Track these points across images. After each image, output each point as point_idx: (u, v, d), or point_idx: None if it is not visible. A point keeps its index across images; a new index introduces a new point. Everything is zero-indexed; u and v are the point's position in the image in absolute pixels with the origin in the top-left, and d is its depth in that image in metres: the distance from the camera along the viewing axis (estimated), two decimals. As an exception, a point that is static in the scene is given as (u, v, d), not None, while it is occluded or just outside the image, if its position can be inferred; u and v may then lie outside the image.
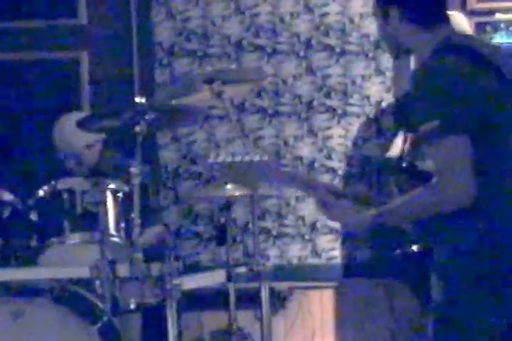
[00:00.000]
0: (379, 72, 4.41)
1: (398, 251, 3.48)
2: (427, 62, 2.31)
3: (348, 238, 4.41)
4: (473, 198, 2.22)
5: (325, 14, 4.42)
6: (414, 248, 3.40)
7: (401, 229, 3.35)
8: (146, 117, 3.22)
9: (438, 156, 2.24)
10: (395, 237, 3.45)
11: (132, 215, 3.19)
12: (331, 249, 4.44)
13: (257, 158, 2.40)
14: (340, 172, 4.44)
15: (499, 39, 4.28)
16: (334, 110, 4.44)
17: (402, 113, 4.09)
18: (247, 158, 2.40)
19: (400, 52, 2.41)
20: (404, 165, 3.28)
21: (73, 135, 3.83)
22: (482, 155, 2.24)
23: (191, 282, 3.26)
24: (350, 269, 4.41)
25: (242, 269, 3.42)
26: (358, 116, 4.43)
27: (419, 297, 3.76)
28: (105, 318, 3.22)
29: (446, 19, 2.36)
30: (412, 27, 2.34)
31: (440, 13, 2.36)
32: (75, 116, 3.73)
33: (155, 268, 3.10)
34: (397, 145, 3.95)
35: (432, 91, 2.25)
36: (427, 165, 3.04)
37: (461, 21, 3.77)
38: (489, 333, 2.23)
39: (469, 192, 2.22)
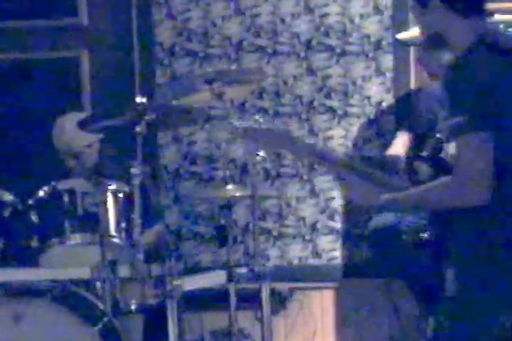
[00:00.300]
0: (379, 72, 4.41)
1: (408, 239, 3.49)
2: (464, 56, 2.30)
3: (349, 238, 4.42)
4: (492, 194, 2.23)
5: (325, 15, 4.42)
6: (425, 235, 3.40)
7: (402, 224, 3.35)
8: (147, 117, 3.23)
9: (464, 151, 2.25)
10: (396, 233, 3.45)
11: (133, 216, 3.19)
12: (332, 250, 4.44)
13: (276, 127, 2.45)
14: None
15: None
16: (335, 111, 4.43)
17: (402, 113, 4.09)
18: (269, 126, 2.46)
19: (435, 44, 2.40)
20: (427, 156, 3.29)
21: (73, 135, 3.83)
22: (499, 150, 2.25)
23: (192, 283, 3.26)
24: (350, 270, 4.41)
25: (243, 270, 3.42)
26: (358, 116, 4.43)
27: (417, 294, 3.76)
28: (106, 319, 3.22)
29: (484, 13, 2.35)
30: (453, 17, 2.33)
31: (480, 5, 2.35)
32: (75, 116, 3.74)
33: (156, 268, 3.10)
34: (397, 146, 3.95)
35: (467, 86, 2.25)
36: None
37: None
38: (503, 322, 2.25)
39: (490, 189, 2.22)
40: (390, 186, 2.37)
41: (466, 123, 2.23)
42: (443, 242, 2.40)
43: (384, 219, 3.67)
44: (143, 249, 3.11)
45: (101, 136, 3.85)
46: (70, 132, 3.82)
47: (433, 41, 2.39)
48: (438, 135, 3.71)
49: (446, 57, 3.59)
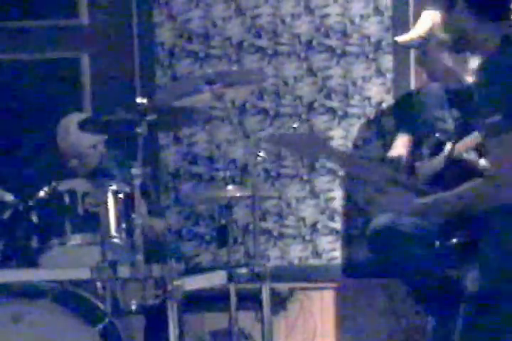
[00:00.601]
0: (379, 73, 4.42)
1: (437, 243, 3.49)
2: (494, 56, 2.32)
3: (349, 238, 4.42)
4: None
5: (326, 15, 4.43)
6: (454, 241, 3.41)
7: (441, 221, 3.35)
8: (148, 118, 3.23)
9: (498, 150, 2.28)
10: (434, 229, 3.45)
11: (133, 216, 3.20)
12: (332, 250, 4.45)
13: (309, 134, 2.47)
14: (341, 173, 4.44)
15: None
16: (335, 111, 4.44)
17: (402, 114, 4.09)
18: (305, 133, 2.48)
19: (461, 46, 2.41)
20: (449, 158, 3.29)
21: (79, 135, 3.83)
22: None
23: (192, 283, 3.26)
24: (350, 270, 4.42)
25: (243, 270, 3.42)
26: (358, 117, 4.44)
27: (417, 294, 3.76)
28: (106, 319, 3.22)
29: (509, 14, 2.36)
30: (478, 19, 2.35)
31: (506, 8, 2.36)
32: (79, 117, 3.74)
33: (156, 269, 3.11)
34: (398, 147, 3.95)
35: (499, 86, 2.28)
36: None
37: None
38: None
39: None
40: (421, 191, 2.39)
41: (501, 123, 2.26)
42: (474, 244, 2.41)
43: (383, 219, 3.67)
44: (143, 248, 3.12)
45: (106, 136, 3.86)
46: (76, 132, 3.83)
47: (459, 44, 2.40)
48: (437, 135, 3.71)
49: (474, 59, 3.60)
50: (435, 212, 2.40)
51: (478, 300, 2.31)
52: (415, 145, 3.88)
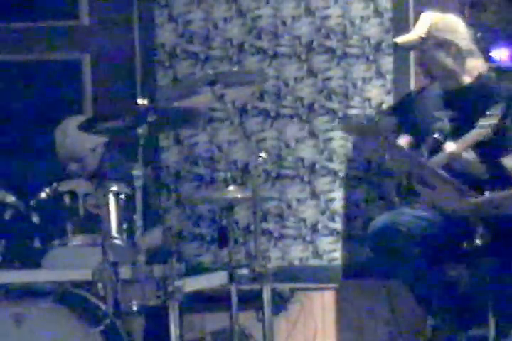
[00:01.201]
0: (379, 74, 4.42)
1: (465, 244, 3.49)
2: None
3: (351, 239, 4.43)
4: None
5: (326, 17, 4.43)
6: (478, 241, 3.41)
7: (468, 222, 3.35)
8: (148, 119, 3.23)
9: None
10: (462, 230, 3.45)
11: (134, 217, 3.20)
12: (332, 251, 4.45)
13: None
14: (341, 174, 4.45)
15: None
16: (335, 112, 4.45)
17: (403, 115, 4.10)
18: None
19: None
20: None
21: (77, 138, 3.83)
22: None
23: (193, 284, 3.27)
24: (351, 271, 4.42)
25: (244, 271, 3.42)
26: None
27: (418, 298, 3.77)
28: (107, 320, 3.23)
29: None
30: None
31: None
32: (77, 121, 3.73)
33: (157, 270, 3.11)
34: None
35: None
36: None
37: (456, 24, 3.78)
38: None
39: None
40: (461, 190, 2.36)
41: None
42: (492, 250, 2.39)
43: (384, 218, 3.67)
44: (144, 250, 3.12)
45: (105, 139, 3.86)
46: (74, 136, 3.83)
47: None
48: (435, 135, 3.72)
49: (471, 59, 3.59)
50: (486, 212, 2.36)
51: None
52: (415, 146, 3.88)
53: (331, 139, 4.45)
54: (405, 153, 2.37)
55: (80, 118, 3.83)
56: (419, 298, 3.75)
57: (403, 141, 3.90)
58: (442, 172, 2.58)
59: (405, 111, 3.99)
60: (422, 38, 3.72)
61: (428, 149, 3.72)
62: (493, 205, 2.29)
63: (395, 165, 3.53)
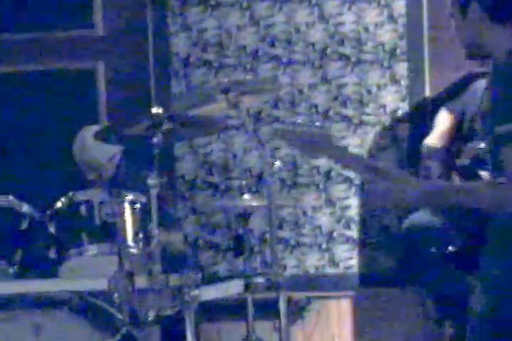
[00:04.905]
0: (394, 80, 4.41)
1: (434, 250, 3.46)
2: (507, 62, 2.26)
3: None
4: None
5: (340, 23, 4.43)
6: (451, 248, 3.37)
7: (438, 228, 3.31)
8: (163, 128, 3.23)
9: None
10: (432, 236, 3.42)
11: (150, 226, 3.20)
12: (349, 258, 4.44)
13: (318, 130, 2.40)
14: (356, 181, 4.43)
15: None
16: (350, 119, 4.43)
17: (417, 121, 4.08)
18: (309, 129, 2.41)
19: (476, 53, 2.36)
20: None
21: (95, 149, 3.84)
22: None
23: (209, 293, 3.26)
24: (367, 278, 4.40)
25: (260, 279, 3.41)
26: (373, 125, 4.43)
27: (437, 301, 3.73)
28: (124, 330, 3.22)
29: None
30: (492, 26, 2.29)
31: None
32: (94, 130, 3.73)
33: (173, 279, 3.10)
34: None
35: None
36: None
37: None
38: None
39: None
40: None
41: None
42: (472, 255, 2.34)
43: (420, 218, 3.62)
44: (160, 259, 3.12)
45: (121, 148, 3.86)
46: (92, 147, 3.84)
47: (472, 51, 2.36)
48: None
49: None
50: (438, 202, 2.29)
51: (483, 320, 2.22)
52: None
53: (346, 147, 4.44)
54: (353, 157, 2.33)
55: (97, 128, 3.84)
56: (444, 302, 3.70)
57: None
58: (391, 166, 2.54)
59: (420, 118, 3.96)
60: None
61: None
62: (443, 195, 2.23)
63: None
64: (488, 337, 2.21)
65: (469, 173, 3.52)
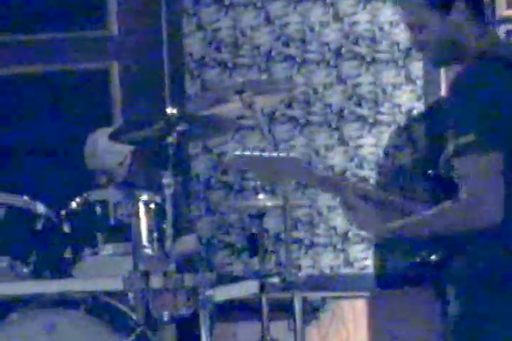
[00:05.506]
0: (409, 80, 4.39)
1: (417, 260, 3.44)
2: (472, 68, 2.16)
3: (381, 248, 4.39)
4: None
5: (354, 23, 4.41)
6: (433, 257, 3.35)
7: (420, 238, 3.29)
8: (178, 128, 3.22)
9: (472, 172, 2.10)
10: (414, 245, 3.40)
11: (165, 226, 3.19)
12: (364, 259, 4.42)
13: (284, 155, 2.38)
14: (371, 181, 4.42)
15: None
16: (365, 119, 4.42)
17: (433, 121, 4.06)
18: (274, 155, 2.39)
19: (447, 55, 2.27)
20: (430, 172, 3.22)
21: (106, 153, 3.84)
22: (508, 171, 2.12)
23: (224, 293, 3.25)
24: (383, 279, 4.39)
25: (275, 279, 3.40)
26: (388, 124, 4.41)
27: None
28: (139, 330, 3.22)
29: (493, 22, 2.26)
30: (473, 23, 2.19)
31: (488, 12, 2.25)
32: (106, 133, 3.73)
33: (188, 279, 3.10)
34: None
35: (475, 102, 2.11)
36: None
37: None
38: None
39: (501, 211, 2.09)
40: (410, 213, 2.26)
41: (474, 143, 2.08)
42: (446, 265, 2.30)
43: None
44: (175, 259, 3.11)
45: (131, 149, 3.86)
46: (102, 152, 3.84)
47: (445, 50, 2.25)
48: None
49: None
50: (404, 238, 2.25)
51: (458, 326, 2.19)
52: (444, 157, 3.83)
53: (361, 146, 4.43)
54: (326, 178, 2.28)
55: (110, 130, 3.84)
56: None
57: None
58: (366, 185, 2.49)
59: (436, 117, 3.95)
60: None
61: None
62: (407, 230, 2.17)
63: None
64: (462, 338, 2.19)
65: None
